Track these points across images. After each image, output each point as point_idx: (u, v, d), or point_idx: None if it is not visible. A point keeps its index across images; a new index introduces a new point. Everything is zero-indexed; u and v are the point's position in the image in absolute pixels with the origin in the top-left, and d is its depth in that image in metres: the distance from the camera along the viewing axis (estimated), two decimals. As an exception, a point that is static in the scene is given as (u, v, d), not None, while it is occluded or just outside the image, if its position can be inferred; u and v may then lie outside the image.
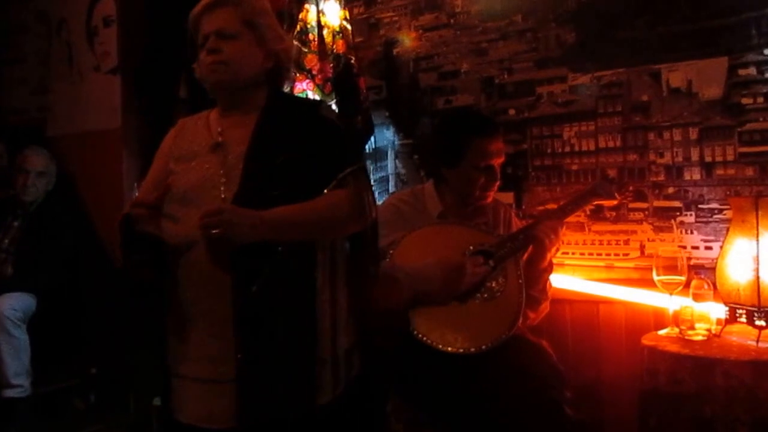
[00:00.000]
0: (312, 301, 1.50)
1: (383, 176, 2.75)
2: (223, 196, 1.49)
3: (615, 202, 2.03)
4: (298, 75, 2.55)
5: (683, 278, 1.89)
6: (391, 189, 2.72)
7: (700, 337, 1.83)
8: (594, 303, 2.22)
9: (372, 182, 1.67)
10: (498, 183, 1.94)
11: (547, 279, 1.96)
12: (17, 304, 2.73)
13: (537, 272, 1.92)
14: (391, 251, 1.86)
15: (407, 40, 2.70)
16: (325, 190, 1.50)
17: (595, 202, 2.03)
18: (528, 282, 1.90)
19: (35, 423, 2.70)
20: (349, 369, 1.59)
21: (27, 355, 2.70)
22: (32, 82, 3.69)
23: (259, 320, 1.45)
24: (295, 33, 2.60)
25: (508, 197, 2.37)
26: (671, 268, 1.90)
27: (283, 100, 1.65)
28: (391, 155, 2.73)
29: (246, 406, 1.45)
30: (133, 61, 3.23)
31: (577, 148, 2.30)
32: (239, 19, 1.57)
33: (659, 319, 2.06)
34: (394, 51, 2.73)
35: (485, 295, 1.84)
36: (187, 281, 1.51)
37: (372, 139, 2.69)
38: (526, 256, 1.91)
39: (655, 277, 1.92)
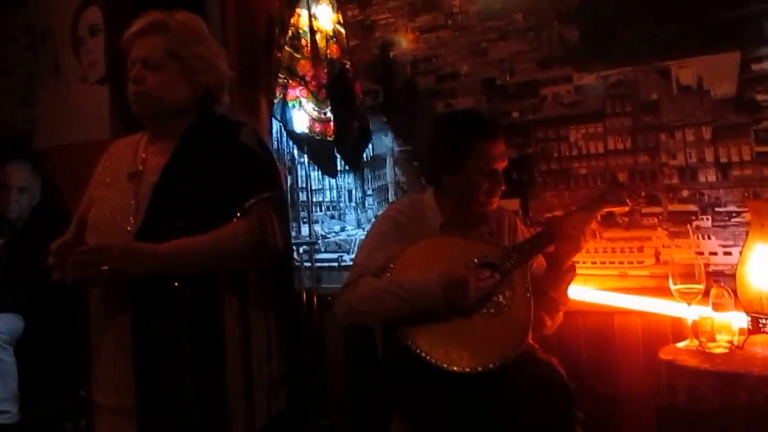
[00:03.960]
0: (218, 332, 1.49)
1: (382, 185, 2.64)
2: (129, 228, 1.50)
3: (627, 209, 1.91)
4: (291, 81, 2.46)
5: (701, 287, 1.78)
6: (391, 198, 2.62)
7: (721, 350, 1.72)
8: (608, 314, 2.12)
9: (284, 210, 1.69)
10: (502, 188, 1.84)
11: (570, 281, 1.85)
12: (4, 325, 2.63)
13: (561, 273, 1.81)
14: (391, 265, 1.76)
15: (404, 42, 2.61)
16: (234, 220, 1.50)
17: (606, 210, 1.92)
18: (550, 283, 1.80)
19: (25, 449, 2.60)
20: (273, 403, 1.57)
21: (14, 379, 2.60)
22: (19, 94, 3.61)
23: (157, 352, 1.46)
24: (287, 38, 2.51)
25: (513, 204, 2.27)
26: (688, 275, 1.80)
27: (204, 126, 1.61)
28: (390, 162, 2.62)
29: None
30: (121, 71, 3.13)
31: (585, 151, 2.20)
32: (165, 49, 1.56)
33: (678, 329, 1.95)
34: (391, 54, 2.63)
35: (491, 310, 1.74)
36: (96, 310, 1.55)
37: (370, 146, 2.59)
38: (551, 249, 1.80)
39: (672, 286, 1.81)
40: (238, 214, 1.49)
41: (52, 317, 2.73)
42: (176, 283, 1.46)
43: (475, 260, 1.77)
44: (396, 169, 2.61)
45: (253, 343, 1.52)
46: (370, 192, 2.67)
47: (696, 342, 1.77)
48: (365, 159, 2.63)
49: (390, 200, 2.62)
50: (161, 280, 1.45)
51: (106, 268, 1.40)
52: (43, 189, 3.07)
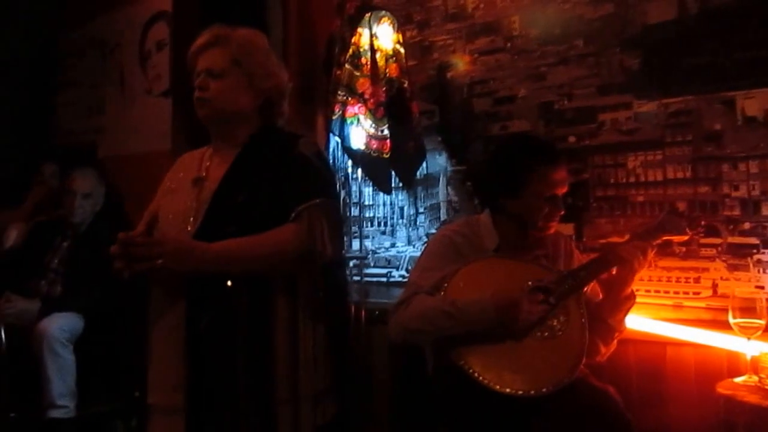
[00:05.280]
0: (269, 335, 1.52)
1: (434, 203, 2.67)
2: (189, 229, 1.57)
3: (686, 239, 1.89)
4: (350, 99, 2.52)
5: (763, 321, 1.74)
6: (443, 217, 2.64)
7: (782, 388, 1.68)
8: (661, 344, 2.08)
9: (336, 218, 1.68)
10: (561, 213, 1.84)
11: (629, 309, 1.83)
12: (65, 324, 2.73)
13: (620, 299, 1.79)
14: (445, 284, 1.78)
15: (461, 64, 2.64)
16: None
17: (664, 238, 1.90)
18: (607, 310, 1.79)
19: (78, 445, 2.68)
20: (319, 414, 1.58)
21: (72, 376, 2.69)
22: (86, 105, 3.77)
23: (209, 350, 1.49)
24: (348, 57, 2.57)
25: (567, 229, 2.25)
26: (749, 309, 1.76)
27: (266, 136, 1.68)
28: (443, 182, 2.65)
29: None
30: (185, 85, 3.25)
31: (642, 179, 2.17)
32: (228, 59, 1.66)
33: (733, 364, 1.91)
34: (448, 75, 2.67)
35: (545, 334, 1.73)
36: (152, 309, 1.61)
37: (424, 165, 2.62)
38: (606, 276, 1.79)
39: (731, 320, 1.78)
40: (291, 219, 1.54)
41: (110, 319, 2.83)
42: (229, 283, 1.50)
43: (530, 283, 1.77)
44: (449, 189, 2.64)
45: (300, 351, 1.54)
46: (422, 210, 2.70)
47: (755, 378, 1.74)
48: (418, 177, 2.66)
49: (441, 219, 2.64)
50: (215, 279, 1.50)
51: (161, 261, 1.45)
52: (106, 196, 3.19)
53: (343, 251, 1.80)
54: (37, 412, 2.63)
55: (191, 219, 1.58)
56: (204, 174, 1.65)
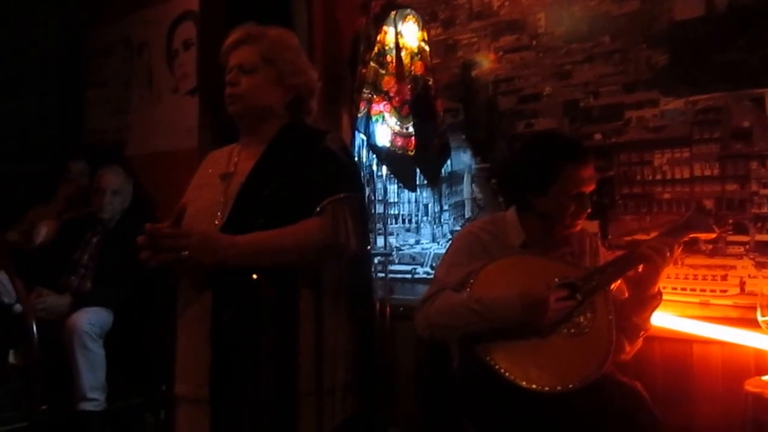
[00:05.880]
0: (293, 328, 1.52)
1: (458, 201, 2.68)
2: (216, 222, 1.59)
3: (713, 236, 1.88)
4: (375, 97, 2.54)
5: (792, 320, 1.74)
6: (467, 214, 2.66)
7: (812, 386, 1.68)
8: (687, 342, 2.08)
9: (360, 212, 1.69)
10: (588, 211, 1.84)
11: (655, 308, 1.82)
12: (95, 318, 2.78)
13: (646, 297, 1.79)
14: (471, 281, 1.79)
15: (486, 62, 2.65)
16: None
17: (691, 236, 1.89)
18: (633, 308, 1.79)
19: (108, 437, 2.74)
20: (341, 408, 1.59)
21: (103, 370, 2.74)
22: (114, 103, 3.83)
23: (233, 343, 1.51)
24: (373, 55, 2.59)
25: (593, 226, 2.25)
26: (778, 308, 1.76)
27: (294, 131, 1.70)
28: (467, 179, 2.66)
29: (219, 429, 1.51)
30: (211, 83, 3.29)
31: (669, 176, 2.17)
32: (259, 55, 1.69)
33: (761, 362, 1.90)
34: (472, 73, 2.68)
35: (572, 331, 1.74)
36: (180, 302, 1.64)
37: (448, 162, 2.64)
38: (632, 274, 1.79)
39: (760, 318, 1.78)
40: (316, 212, 1.55)
41: (138, 313, 2.88)
42: (254, 276, 1.51)
43: (556, 280, 1.78)
44: (473, 186, 2.65)
45: (324, 345, 1.55)
46: (446, 207, 2.72)
47: (784, 376, 1.74)
48: (443, 175, 2.67)
49: (466, 216, 2.66)
50: (240, 272, 1.51)
51: (186, 253, 1.47)
52: (134, 193, 3.25)
53: (368, 245, 1.79)
54: (68, 405, 2.69)
55: (219, 213, 1.60)
56: (232, 169, 1.67)
